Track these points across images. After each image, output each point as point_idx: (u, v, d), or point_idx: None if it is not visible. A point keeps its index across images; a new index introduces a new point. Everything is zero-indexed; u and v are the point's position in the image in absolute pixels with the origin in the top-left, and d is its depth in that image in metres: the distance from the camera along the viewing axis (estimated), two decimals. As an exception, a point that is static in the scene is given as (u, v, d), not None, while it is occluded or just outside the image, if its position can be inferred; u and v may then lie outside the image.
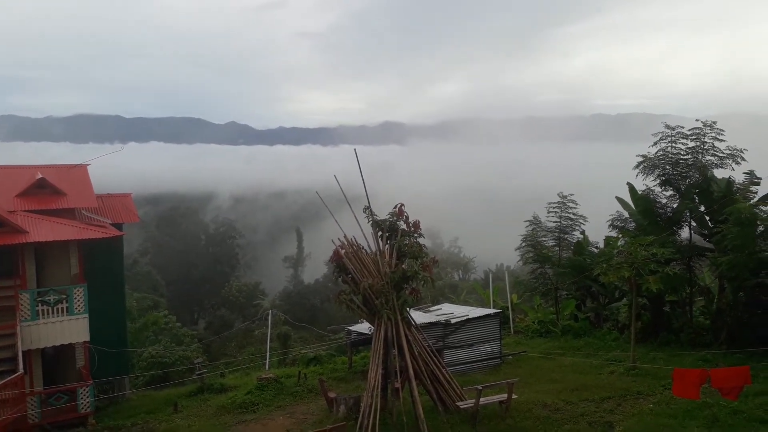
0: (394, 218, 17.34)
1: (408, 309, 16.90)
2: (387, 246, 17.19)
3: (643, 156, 23.95)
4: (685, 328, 23.73)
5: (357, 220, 17.41)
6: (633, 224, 25.39)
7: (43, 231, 19.15)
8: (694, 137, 23.20)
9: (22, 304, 18.48)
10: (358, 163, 17.80)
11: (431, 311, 23.95)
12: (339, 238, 17.40)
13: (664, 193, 24.34)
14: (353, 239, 17.39)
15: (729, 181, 23.01)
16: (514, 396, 16.60)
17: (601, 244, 28.73)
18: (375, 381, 15.57)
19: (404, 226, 17.30)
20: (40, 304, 18.66)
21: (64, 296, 19.01)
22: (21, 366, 17.14)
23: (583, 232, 29.12)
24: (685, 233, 24.49)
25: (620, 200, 26.14)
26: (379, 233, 17.31)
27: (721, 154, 22.90)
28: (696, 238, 24.37)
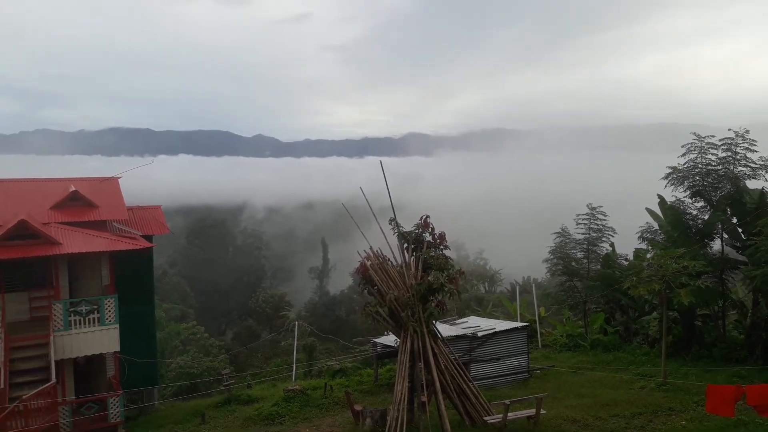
0: (420, 230, 17.33)
1: (434, 321, 16.83)
2: (413, 258, 17.16)
3: (672, 168, 23.59)
4: (718, 342, 23.20)
5: (383, 231, 17.42)
6: (663, 236, 24.98)
7: (76, 243, 19.55)
8: (725, 147, 22.81)
9: (55, 315, 18.87)
10: (383, 175, 17.85)
11: (457, 324, 23.81)
12: (365, 250, 17.43)
13: (695, 204, 23.93)
14: (379, 251, 17.41)
15: (762, 193, 22.51)
16: (542, 411, 16.38)
17: (631, 257, 28.29)
18: (401, 394, 15.50)
19: (430, 238, 17.27)
20: (72, 315, 19.03)
21: (96, 307, 19.35)
22: (53, 375, 17.48)
23: (612, 245, 28.72)
24: (717, 246, 24.02)
25: (650, 212, 25.77)
26: (405, 245, 17.30)
27: (753, 165, 22.46)
28: (728, 250, 23.85)
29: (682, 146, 23.44)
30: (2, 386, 16.97)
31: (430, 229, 17.29)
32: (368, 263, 17.11)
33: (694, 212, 24.10)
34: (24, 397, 16.07)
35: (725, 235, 23.62)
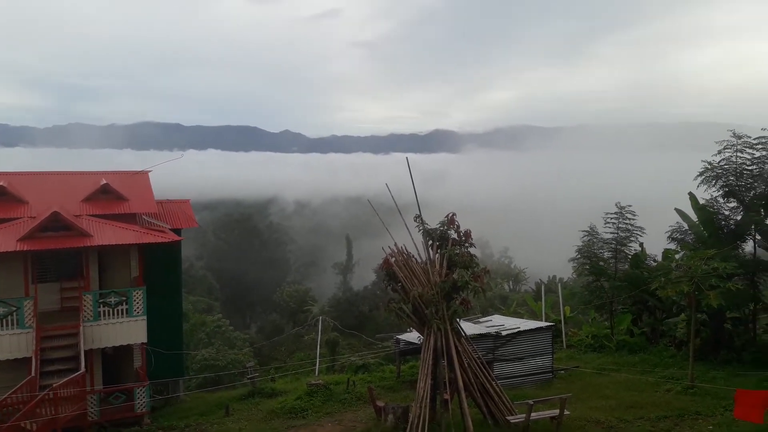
0: (445, 227, 17.23)
1: (458, 319, 16.76)
2: (437, 255, 17.09)
3: (708, 162, 22.99)
4: (747, 346, 22.71)
5: (407, 228, 17.40)
6: (693, 237, 24.50)
7: (106, 235, 19.93)
8: (760, 146, 22.25)
9: (85, 305, 19.26)
10: (409, 172, 17.81)
11: (481, 322, 23.69)
12: (389, 246, 17.42)
13: (727, 204, 23.42)
14: (403, 247, 17.38)
15: (798, 194, 21.93)
16: (566, 412, 16.21)
17: (660, 257, 27.82)
18: (424, 391, 15.48)
19: (455, 236, 17.17)
20: (101, 306, 19.41)
21: (124, 298, 19.71)
22: (83, 365, 17.86)
23: (641, 245, 28.27)
24: (749, 247, 23.48)
25: (680, 212, 25.30)
26: (430, 242, 17.25)
27: (790, 165, 21.88)
28: (761, 252, 23.29)
29: (716, 142, 22.84)
30: (33, 374, 17.39)
31: (455, 226, 17.20)
32: (392, 259, 17.09)
33: (726, 212, 23.57)
34: (54, 385, 16.45)
35: (758, 237, 23.07)
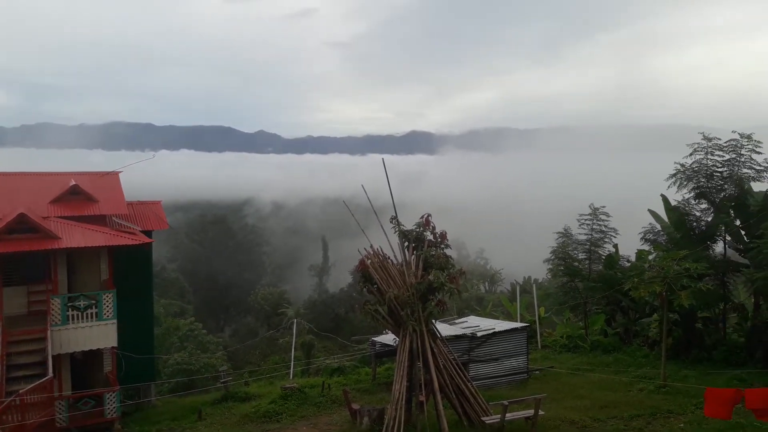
0: (421, 228, 17.20)
1: (433, 321, 16.73)
2: (413, 257, 17.04)
3: (681, 164, 23.32)
4: (718, 345, 23.09)
5: (383, 230, 17.31)
6: (665, 237, 24.85)
7: (75, 237, 19.47)
8: (730, 149, 22.65)
9: (53, 309, 18.80)
10: (385, 173, 17.74)
11: (457, 324, 23.71)
12: (365, 248, 17.32)
13: (699, 206, 23.79)
14: (379, 249, 17.29)
15: (766, 195, 22.37)
16: (541, 412, 16.27)
17: (633, 258, 28.17)
18: (399, 393, 15.40)
19: (431, 237, 17.15)
20: (70, 309, 18.96)
21: (94, 302, 19.29)
22: (50, 370, 17.41)
23: (615, 246, 28.59)
24: (719, 248, 23.90)
25: (653, 213, 25.65)
26: (406, 244, 17.20)
27: (758, 167, 22.32)
28: (731, 252, 23.73)
29: (688, 145, 23.21)
30: (-1, 380, 16.91)
31: (431, 228, 17.17)
32: (368, 261, 16.99)
33: (698, 214, 23.95)
34: (21, 391, 15.99)
35: (728, 238, 23.50)
